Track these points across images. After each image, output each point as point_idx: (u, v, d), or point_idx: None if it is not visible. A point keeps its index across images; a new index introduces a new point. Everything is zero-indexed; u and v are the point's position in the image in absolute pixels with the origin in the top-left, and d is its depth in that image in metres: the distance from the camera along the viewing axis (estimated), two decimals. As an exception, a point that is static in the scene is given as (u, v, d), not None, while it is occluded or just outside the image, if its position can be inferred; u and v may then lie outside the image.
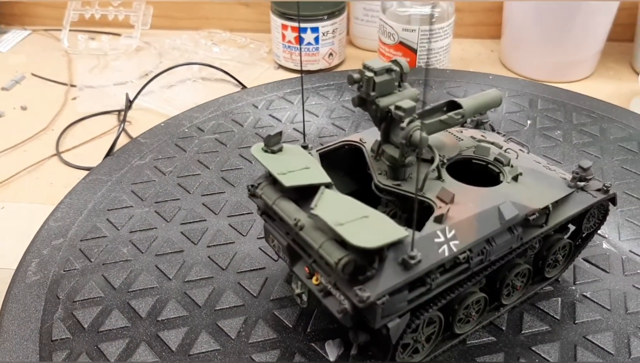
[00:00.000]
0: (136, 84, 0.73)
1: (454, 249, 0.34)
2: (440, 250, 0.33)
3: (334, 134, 0.60)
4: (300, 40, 0.74)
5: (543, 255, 0.42)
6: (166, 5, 0.88)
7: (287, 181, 0.35)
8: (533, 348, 0.39)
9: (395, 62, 0.36)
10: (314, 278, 0.36)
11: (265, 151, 0.37)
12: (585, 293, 0.43)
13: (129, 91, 0.69)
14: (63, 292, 0.43)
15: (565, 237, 0.43)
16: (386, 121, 0.36)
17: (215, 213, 0.50)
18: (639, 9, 0.74)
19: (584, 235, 0.43)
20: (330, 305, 0.35)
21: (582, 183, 0.40)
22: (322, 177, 0.36)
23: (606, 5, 0.69)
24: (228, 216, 0.50)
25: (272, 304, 0.42)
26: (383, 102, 0.35)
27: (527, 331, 0.40)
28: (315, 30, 0.73)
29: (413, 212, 0.38)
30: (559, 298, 0.43)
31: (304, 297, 0.38)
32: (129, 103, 0.67)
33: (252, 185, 0.39)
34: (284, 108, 0.65)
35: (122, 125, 0.64)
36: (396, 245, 0.32)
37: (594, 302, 0.42)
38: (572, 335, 0.40)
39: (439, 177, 0.37)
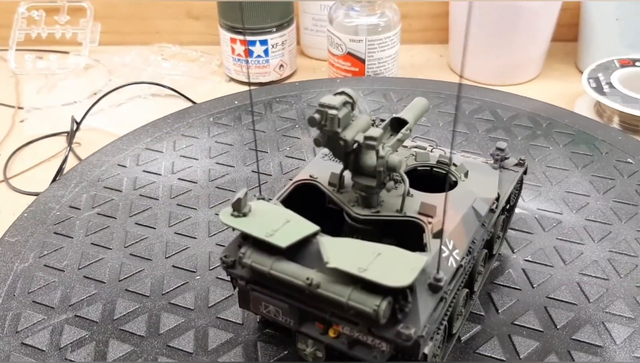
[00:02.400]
0: (85, 104, 0.72)
1: (458, 258, 0.35)
2: (449, 263, 0.34)
3: (225, 174, 0.57)
4: (249, 53, 0.72)
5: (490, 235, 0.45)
6: (115, 21, 0.84)
7: (282, 242, 0.33)
8: (516, 323, 0.42)
9: (344, 93, 0.36)
10: (331, 331, 0.34)
11: (237, 216, 0.35)
12: (526, 258, 0.47)
13: (78, 111, 0.69)
14: None
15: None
16: (354, 153, 0.36)
17: (147, 296, 0.45)
18: (580, 9, 0.78)
19: (508, 207, 0.47)
20: (361, 353, 0.34)
21: (502, 163, 0.44)
22: (309, 226, 0.35)
23: (548, 7, 0.72)
24: (162, 294, 0.45)
25: (265, 371, 0.39)
26: (348, 135, 0.35)
27: (502, 308, 0.43)
28: (264, 42, 0.73)
29: (399, 236, 0.39)
30: (510, 269, 0.46)
31: (319, 354, 0.36)
32: (76, 125, 0.67)
33: (226, 256, 0.36)
34: (155, 159, 0.60)
35: (69, 148, 0.64)
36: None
37: (537, 262, 0.47)
38: (537, 298, 0.44)
39: (407, 193, 0.38)
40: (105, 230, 0.51)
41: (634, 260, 0.46)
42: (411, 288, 0.31)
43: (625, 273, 0.45)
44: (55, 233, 0.51)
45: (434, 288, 0.32)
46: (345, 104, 0.35)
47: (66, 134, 0.68)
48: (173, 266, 0.48)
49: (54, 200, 0.55)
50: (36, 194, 0.57)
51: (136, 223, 0.52)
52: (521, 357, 0.40)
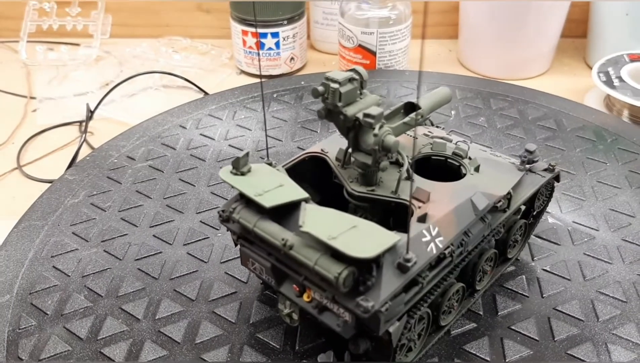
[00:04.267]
0: (97, 94, 0.73)
1: (440, 246, 0.35)
2: (428, 249, 0.34)
3: (271, 146, 0.60)
4: (260, 45, 0.74)
5: (504, 237, 0.44)
6: (125, 14, 0.87)
7: (267, 202, 0.34)
8: (512, 328, 0.41)
9: (354, 70, 0.36)
10: (305, 295, 0.35)
11: (235, 174, 0.37)
12: (545, 268, 0.45)
13: (90, 101, 0.69)
14: (25, 353, 0.40)
15: (519, 217, 0.45)
16: (354, 129, 0.36)
17: (170, 244, 0.48)
18: (590, 5, 0.78)
19: (535, 213, 0.46)
20: (328, 319, 0.35)
21: (530, 166, 0.43)
22: (299, 192, 0.36)
23: (558, 3, 0.72)
24: (184, 244, 0.48)
25: (253, 328, 0.41)
26: (350, 111, 0.36)
27: (502, 312, 0.42)
28: (275, 35, 0.74)
29: (389, 217, 0.39)
30: (523, 276, 0.45)
31: (294, 316, 0.37)
32: (90, 113, 0.67)
33: (223, 211, 0.38)
34: (213, 125, 0.63)
35: (84, 136, 0.64)
36: (390, 250, 0.32)
37: (555, 274, 0.45)
38: (543, 308, 0.42)
39: (409, 178, 0.38)
40: (151, 181, 0.55)
41: (663, 288, 0.44)
42: (378, 263, 0.32)
43: (649, 299, 0.43)
44: (108, 177, 0.56)
45: (402, 268, 0.32)
46: (351, 80, 0.36)
47: (78, 124, 0.68)
48: (200, 221, 0.51)
49: (115, 149, 0.60)
50: (49, 181, 0.58)
51: (180, 179, 0.56)
52: (507, 360, 0.39)
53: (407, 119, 0.38)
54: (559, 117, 0.63)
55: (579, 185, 0.54)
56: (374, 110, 0.35)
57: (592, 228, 0.49)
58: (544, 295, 0.43)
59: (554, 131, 0.61)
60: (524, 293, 0.43)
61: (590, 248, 0.47)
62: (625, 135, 0.60)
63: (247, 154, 0.37)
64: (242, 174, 0.37)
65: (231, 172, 0.37)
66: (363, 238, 0.32)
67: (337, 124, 0.37)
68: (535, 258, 0.46)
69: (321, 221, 0.33)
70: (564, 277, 0.45)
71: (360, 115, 0.35)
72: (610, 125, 0.62)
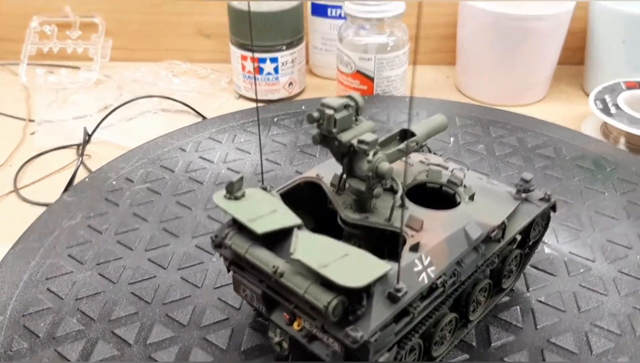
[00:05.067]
0: (95, 118, 0.73)
1: (432, 275, 0.35)
2: (420, 279, 0.34)
3: (270, 170, 0.60)
4: (259, 70, 0.75)
5: (499, 268, 0.43)
6: (126, 38, 0.88)
7: (259, 228, 0.34)
8: (505, 360, 0.40)
9: (350, 97, 0.37)
10: (295, 324, 0.35)
11: (228, 198, 0.37)
12: (539, 299, 0.45)
13: (89, 125, 0.69)
14: (14, 376, 0.39)
15: (515, 247, 0.45)
16: (349, 155, 0.36)
17: (165, 268, 0.48)
18: (587, 32, 0.79)
19: (531, 243, 0.46)
20: (317, 349, 0.34)
21: (525, 195, 0.42)
22: (292, 219, 0.36)
23: (555, 29, 0.73)
24: (178, 269, 0.48)
25: (244, 356, 0.41)
26: (344, 137, 0.36)
27: (496, 343, 0.42)
28: (274, 60, 0.74)
29: (383, 245, 0.39)
30: (518, 307, 0.44)
31: (285, 344, 0.37)
32: (88, 137, 0.67)
33: (216, 236, 0.38)
34: (213, 148, 0.64)
35: (81, 159, 0.64)
36: (381, 279, 0.32)
37: (549, 305, 0.45)
38: (537, 340, 0.42)
39: (402, 205, 0.38)
40: (149, 203, 0.55)
41: (659, 321, 0.43)
42: (368, 292, 0.32)
43: (644, 332, 0.42)
44: (106, 199, 0.56)
45: (393, 298, 0.32)
46: (346, 107, 0.36)
47: (76, 147, 0.68)
48: (196, 246, 0.51)
49: (114, 171, 0.60)
50: (45, 205, 0.57)
51: (177, 202, 0.56)
52: (499, 393, 0.38)
53: (401, 145, 0.39)
54: (558, 145, 0.63)
55: (577, 215, 0.53)
56: (368, 137, 0.35)
57: (589, 260, 0.49)
58: (538, 327, 0.43)
59: (553, 160, 0.61)
60: (518, 325, 0.43)
61: (586, 279, 0.47)
62: (624, 165, 0.60)
63: (242, 178, 0.37)
64: (236, 198, 0.37)
65: (225, 197, 0.37)
66: (354, 267, 0.32)
67: (332, 150, 0.37)
68: (530, 289, 0.46)
69: (313, 249, 0.33)
70: (558, 309, 0.44)
71: (354, 142, 0.36)
72: (609, 154, 0.62)
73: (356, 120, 0.37)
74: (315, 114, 0.36)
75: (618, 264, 0.48)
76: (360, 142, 0.35)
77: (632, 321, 0.43)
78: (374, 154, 0.35)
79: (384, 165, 0.35)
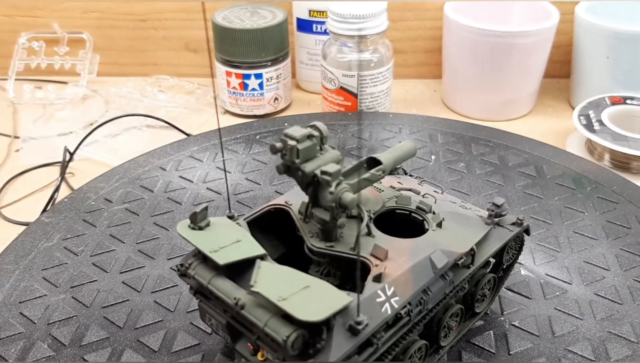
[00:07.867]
0: (80, 134, 0.72)
1: (396, 306, 0.34)
2: (383, 310, 0.34)
3: (249, 190, 0.60)
4: (244, 86, 0.75)
5: (471, 292, 0.43)
6: (113, 53, 0.88)
7: (221, 259, 0.34)
8: (476, 387, 0.40)
9: (314, 127, 0.37)
10: (259, 354, 0.35)
11: (192, 228, 0.36)
12: (513, 323, 0.45)
13: (73, 141, 0.69)
14: (-19, 405, 0.39)
15: (488, 271, 0.45)
16: (313, 185, 0.36)
17: (138, 291, 0.48)
18: (572, 46, 0.78)
19: (504, 267, 0.45)
20: (280, 380, 0.34)
21: (497, 219, 0.42)
22: (256, 249, 0.36)
23: (540, 43, 0.72)
24: (152, 292, 0.48)
25: (214, 382, 0.41)
26: (308, 167, 0.36)
27: (468, 369, 0.41)
28: (259, 76, 0.75)
29: (351, 273, 0.39)
30: (491, 331, 0.44)
31: (250, 374, 0.37)
32: (70, 155, 0.67)
33: (181, 265, 0.38)
34: (193, 167, 0.64)
35: (61, 178, 0.64)
36: (341, 312, 0.32)
37: (523, 329, 0.44)
38: (509, 366, 0.42)
39: (369, 233, 0.38)
40: (126, 225, 0.55)
41: (633, 346, 0.43)
42: (328, 325, 0.31)
43: (618, 358, 0.42)
44: (83, 220, 0.56)
45: (353, 330, 0.32)
46: (309, 137, 0.36)
47: (60, 164, 0.67)
48: (170, 268, 0.50)
49: (93, 191, 0.60)
50: (26, 224, 0.57)
51: (154, 223, 0.56)
52: (468, 422, 0.38)
53: (367, 175, 0.38)
54: (540, 163, 0.63)
55: (555, 236, 0.53)
56: (331, 168, 0.35)
57: (565, 282, 0.48)
58: (510, 353, 0.42)
59: (534, 178, 0.61)
60: (491, 350, 0.43)
61: (561, 302, 0.46)
62: (605, 183, 0.60)
63: (206, 208, 0.37)
64: (200, 228, 0.36)
65: (189, 227, 0.37)
66: (314, 299, 0.32)
67: (296, 180, 0.37)
68: (504, 312, 0.46)
69: (273, 280, 0.33)
70: (532, 333, 0.44)
71: (318, 172, 0.35)
72: (590, 172, 0.61)
73: (321, 149, 0.37)
74: (278, 145, 0.35)
75: (594, 286, 0.48)
76: (323, 173, 0.35)
77: (606, 346, 0.43)
78: (337, 184, 0.35)
79: (347, 196, 0.35)
